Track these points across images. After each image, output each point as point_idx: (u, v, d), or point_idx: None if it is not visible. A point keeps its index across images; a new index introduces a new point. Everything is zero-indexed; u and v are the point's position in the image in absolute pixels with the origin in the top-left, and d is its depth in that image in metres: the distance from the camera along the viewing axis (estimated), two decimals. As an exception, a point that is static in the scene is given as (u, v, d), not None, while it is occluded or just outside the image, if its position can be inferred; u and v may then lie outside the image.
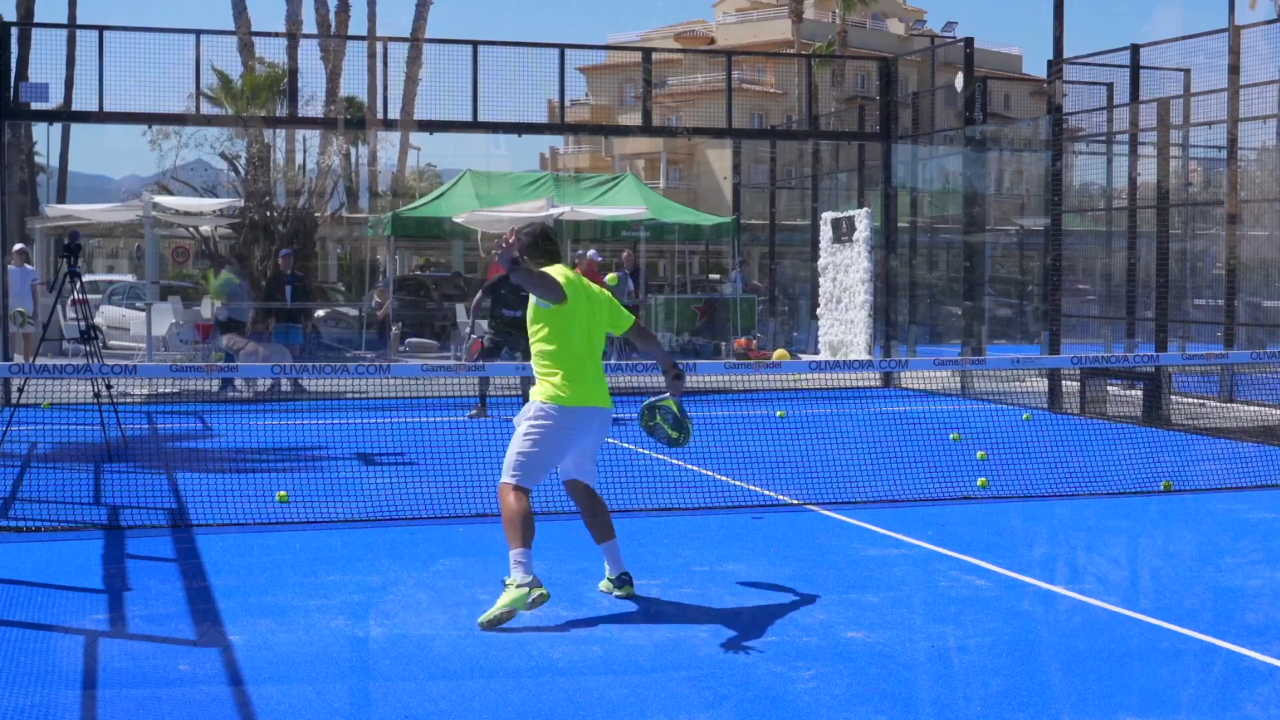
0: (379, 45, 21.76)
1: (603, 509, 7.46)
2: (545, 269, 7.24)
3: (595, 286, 7.49)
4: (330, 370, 10.61)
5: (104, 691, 5.86)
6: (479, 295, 16.61)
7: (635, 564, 8.34)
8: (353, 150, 39.96)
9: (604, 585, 7.54)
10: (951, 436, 14.39)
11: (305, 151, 38.82)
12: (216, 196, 30.45)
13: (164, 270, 32.43)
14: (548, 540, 9.07)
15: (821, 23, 64.39)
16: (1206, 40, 17.86)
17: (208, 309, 23.74)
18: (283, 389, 18.55)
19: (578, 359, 7.18)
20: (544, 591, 6.87)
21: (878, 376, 20.73)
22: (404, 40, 30.38)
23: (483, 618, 6.87)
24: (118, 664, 6.25)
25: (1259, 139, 18.43)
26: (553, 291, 7.06)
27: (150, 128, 33.66)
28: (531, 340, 7.29)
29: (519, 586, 6.86)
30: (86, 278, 31.44)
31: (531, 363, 7.31)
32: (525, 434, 7.13)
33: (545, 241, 7.40)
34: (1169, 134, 18.02)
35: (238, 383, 18.87)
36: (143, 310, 23.10)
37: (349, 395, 18.52)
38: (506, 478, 7.11)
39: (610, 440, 14.22)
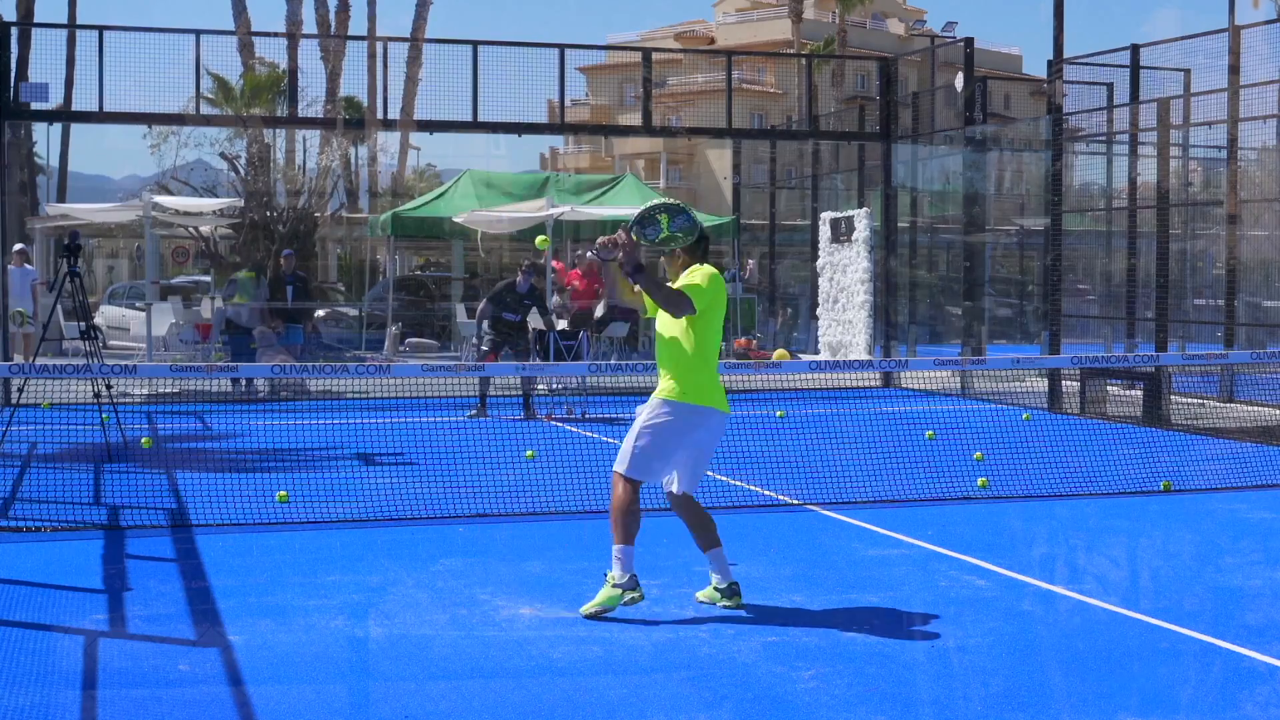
0: (379, 45, 21.75)
1: (699, 517, 7.33)
2: (694, 270, 7.20)
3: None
4: (330, 370, 10.60)
5: (104, 691, 5.86)
6: (484, 303, 16.82)
7: (636, 564, 8.34)
8: (352, 150, 39.94)
9: (705, 595, 7.35)
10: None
11: (305, 151, 38.81)
12: (216, 196, 30.46)
13: (164, 270, 32.41)
14: (548, 540, 9.09)
15: (821, 23, 64.38)
16: (1206, 40, 17.86)
17: (207, 309, 23.74)
18: (280, 390, 18.57)
19: (710, 361, 7.19)
20: (638, 595, 7.03)
21: (878, 376, 20.72)
22: (404, 40, 30.36)
23: (585, 608, 7.09)
24: (118, 664, 6.25)
25: (1259, 139, 18.43)
26: (680, 307, 7.03)
27: (151, 129, 33.70)
28: (663, 337, 7.20)
29: (615, 586, 7.05)
30: (180, 280, 31.47)
31: (657, 359, 7.26)
32: (643, 428, 7.12)
33: (701, 241, 7.30)
34: (1169, 134, 18.02)
35: (243, 381, 18.86)
36: (143, 310, 23.09)
37: (349, 395, 18.53)
38: (618, 466, 7.15)
39: (608, 440, 14.23)
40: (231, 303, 19.92)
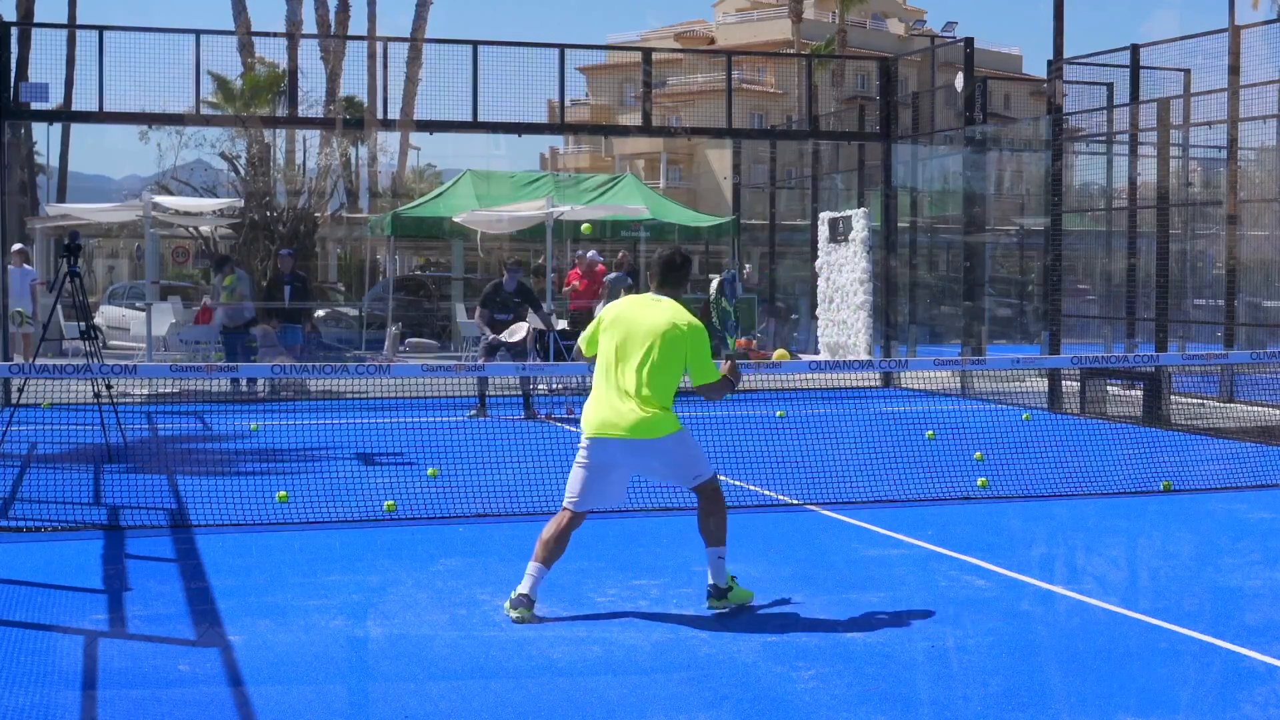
0: (379, 45, 21.75)
1: (705, 516, 7.27)
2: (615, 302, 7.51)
3: (671, 307, 7.25)
4: (330, 370, 10.60)
5: (104, 691, 5.86)
6: (478, 308, 16.76)
7: (635, 564, 8.36)
8: (352, 150, 39.90)
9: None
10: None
11: (305, 151, 38.78)
12: (216, 196, 30.44)
13: (164, 270, 32.40)
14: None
15: (821, 23, 64.38)
16: (1206, 40, 17.86)
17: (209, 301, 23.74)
18: (280, 390, 18.57)
19: (601, 386, 7.23)
20: (525, 615, 6.98)
21: (878, 376, 20.72)
22: (404, 40, 30.33)
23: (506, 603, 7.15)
24: (118, 664, 6.25)
25: (1259, 139, 18.43)
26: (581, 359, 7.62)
27: (147, 127, 33.66)
28: None
29: (514, 596, 7.07)
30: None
31: None
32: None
33: (665, 269, 7.41)
34: (1169, 134, 18.02)
35: (243, 382, 18.86)
36: (143, 310, 23.09)
37: (349, 395, 18.53)
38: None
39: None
40: (222, 302, 19.95)
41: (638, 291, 7.39)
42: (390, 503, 10.17)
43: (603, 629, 6.88)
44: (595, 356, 7.38)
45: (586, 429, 7.20)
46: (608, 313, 7.41)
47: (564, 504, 7.24)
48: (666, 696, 5.86)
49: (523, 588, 7.04)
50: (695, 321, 7.25)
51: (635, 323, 7.21)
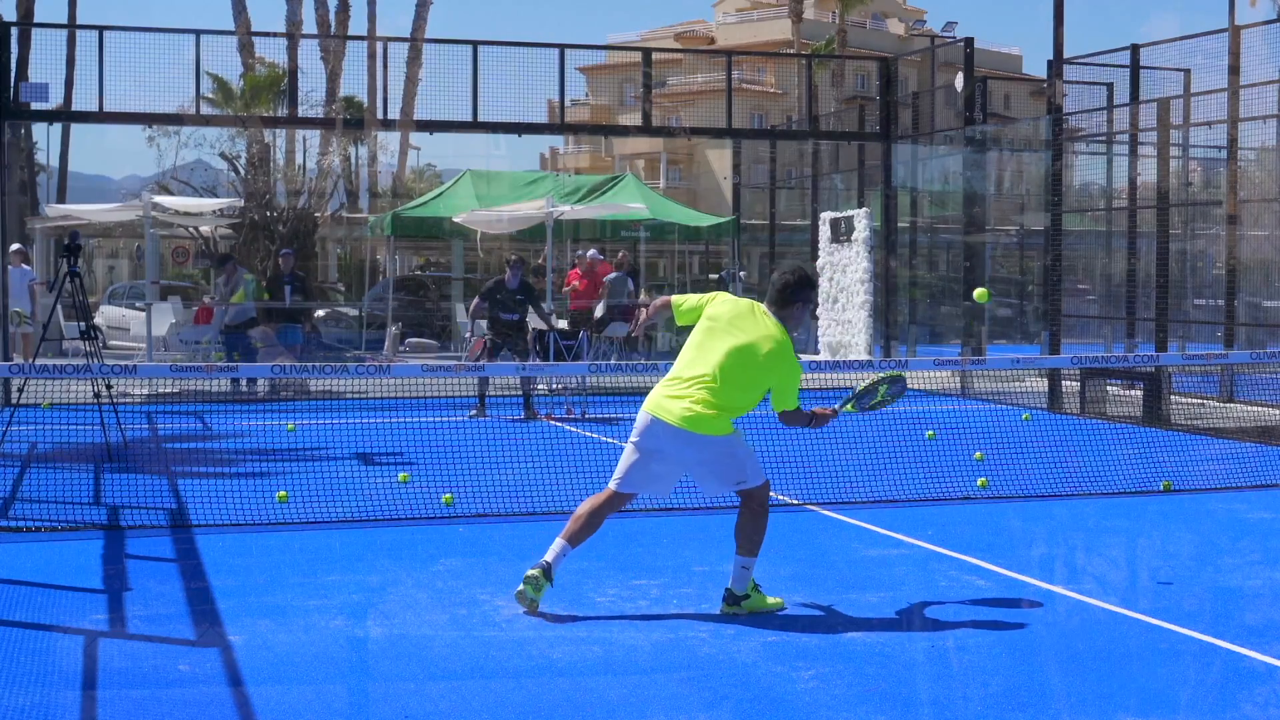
0: (379, 45, 21.76)
1: (743, 524, 7.22)
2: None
3: (769, 328, 7.23)
4: (330, 370, 10.60)
5: (104, 692, 5.86)
6: (477, 300, 16.73)
7: (635, 564, 8.36)
8: (352, 150, 39.89)
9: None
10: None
11: (305, 151, 38.78)
12: (216, 196, 30.46)
13: (164, 270, 32.41)
14: (548, 539, 9.06)
15: (821, 23, 64.41)
16: (1206, 40, 17.87)
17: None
18: (280, 390, 18.57)
19: (677, 369, 7.21)
20: (538, 579, 6.99)
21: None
22: (404, 40, 30.31)
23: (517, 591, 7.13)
24: (118, 664, 6.25)
25: (1259, 139, 18.43)
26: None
27: (153, 129, 33.75)
28: None
29: (530, 570, 7.05)
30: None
31: None
32: None
33: (777, 290, 7.31)
34: (1169, 134, 18.02)
35: (243, 382, 18.86)
36: (143, 310, 23.10)
37: (349, 395, 18.53)
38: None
39: (605, 439, 14.23)
40: (234, 301, 19.93)
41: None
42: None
43: (603, 629, 6.88)
44: (683, 322, 7.36)
45: (644, 404, 7.19)
46: (719, 302, 7.30)
47: (610, 482, 7.25)
48: (666, 696, 5.86)
49: (546, 556, 7.07)
50: (793, 355, 7.23)
51: (736, 327, 7.15)
